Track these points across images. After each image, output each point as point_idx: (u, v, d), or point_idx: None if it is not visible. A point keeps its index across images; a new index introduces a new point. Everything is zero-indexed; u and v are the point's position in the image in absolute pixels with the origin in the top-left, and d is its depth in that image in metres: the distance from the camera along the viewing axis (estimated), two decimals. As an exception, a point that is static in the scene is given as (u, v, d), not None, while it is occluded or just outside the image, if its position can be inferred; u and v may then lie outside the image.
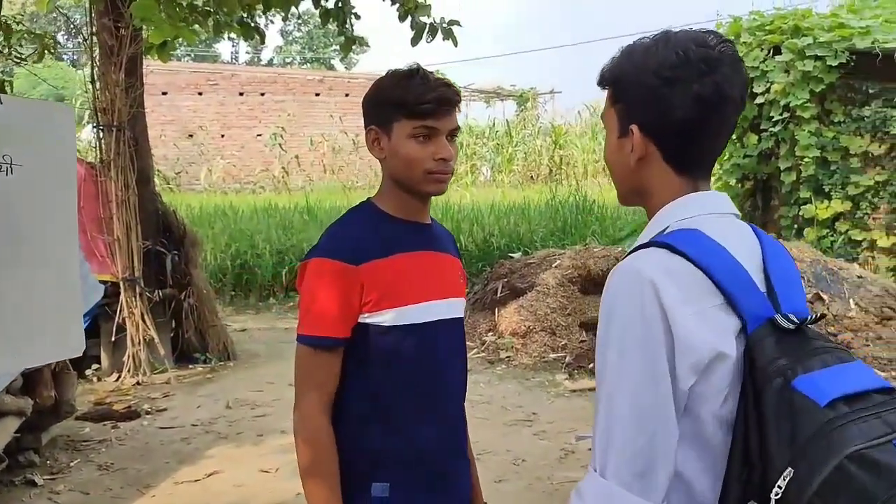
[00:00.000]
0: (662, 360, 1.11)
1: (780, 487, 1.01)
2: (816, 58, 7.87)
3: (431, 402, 1.81)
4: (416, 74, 1.75)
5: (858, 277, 6.98)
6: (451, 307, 1.86)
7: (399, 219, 1.80)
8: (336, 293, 1.70)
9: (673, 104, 1.21)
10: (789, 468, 1.01)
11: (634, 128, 1.25)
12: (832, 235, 8.20)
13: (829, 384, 1.05)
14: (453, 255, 1.94)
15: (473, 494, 1.99)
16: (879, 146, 7.80)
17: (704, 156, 1.27)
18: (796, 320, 1.11)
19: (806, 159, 8.07)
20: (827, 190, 8.10)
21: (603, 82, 1.32)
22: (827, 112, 8.10)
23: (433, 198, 1.88)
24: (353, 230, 1.78)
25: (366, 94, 1.82)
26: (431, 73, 1.77)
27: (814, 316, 1.14)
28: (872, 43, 7.72)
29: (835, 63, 7.79)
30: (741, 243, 1.22)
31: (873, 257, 7.95)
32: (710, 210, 1.25)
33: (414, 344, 1.76)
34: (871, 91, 7.82)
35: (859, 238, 7.97)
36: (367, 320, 1.73)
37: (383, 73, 1.84)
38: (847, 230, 8.00)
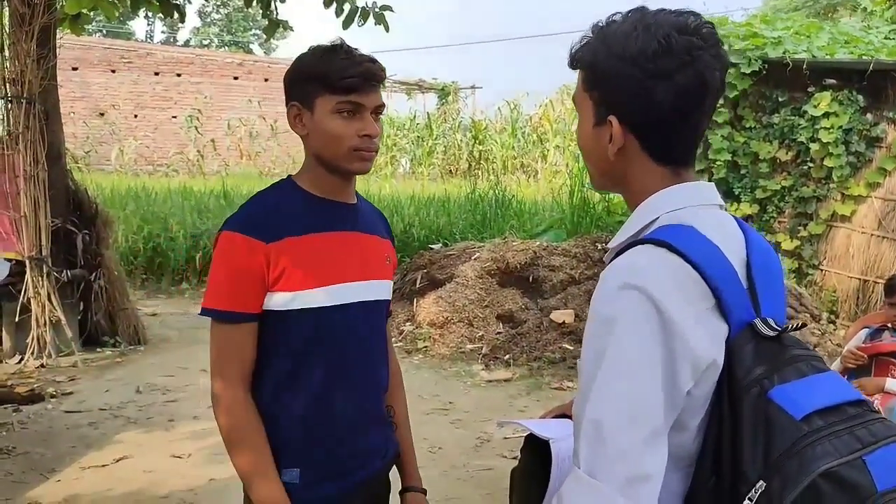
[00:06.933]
0: (658, 363, 1.06)
1: (750, 500, 1.01)
2: (731, 64, 8.13)
3: (341, 386, 1.75)
4: (339, 49, 1.70)
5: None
6: (370, 289, 1.80)
7: (319, 197, 1.75)
8: (242, 269, 1.65)
9: (656, 97, 1.15)
10: (762, 481, 1.01)
11: (613, 119, 1.19)
12: (740, 237, 8.44)
13: (805, 396, 1.04)
14: (381, 235, 1.88)
15: (407, 478, 1.99)
16: (786, 153, 8.10)
17: (684, 145, 1.22)
18: (776, 327, 1.09)
19: (718, 162, 8.32)
20: (737, 193, 8.36)
21: (574, 64, 1.24)
22: (739, 118, 8.36)
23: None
24: (268, 206, 1.72)
25: (287, 70, 1.76)
26: (355, 48, 1.71)
27: (795, 324, 1.13)
28: (783, 53, 8.01)
29: (748, 70, 8.06)
30: (728, 238, 1.18)
31: (777, 259, 8.25)
32: (698, 201, 1.21)
33: (323, 326, 1.71)
34: (780, 99, 8.10)
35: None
36: (271, 299, 1.68)
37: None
38: (754, 232, 8.28)
